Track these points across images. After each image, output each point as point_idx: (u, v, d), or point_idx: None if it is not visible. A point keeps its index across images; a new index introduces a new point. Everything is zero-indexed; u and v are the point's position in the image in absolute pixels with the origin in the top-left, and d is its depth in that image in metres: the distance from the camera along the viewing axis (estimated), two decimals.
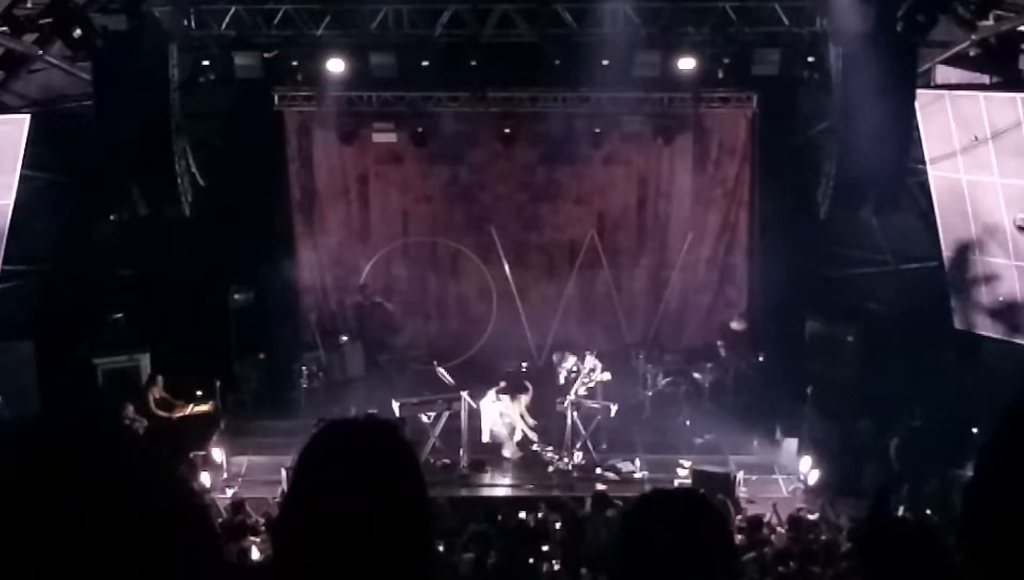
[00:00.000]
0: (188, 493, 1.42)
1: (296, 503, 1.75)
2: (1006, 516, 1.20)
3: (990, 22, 12.50)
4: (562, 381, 14.87)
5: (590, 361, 14.79)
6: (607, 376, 14.71)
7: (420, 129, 16.17)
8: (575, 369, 14.82)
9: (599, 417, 13.89)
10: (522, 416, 14.18)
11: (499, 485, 13.74)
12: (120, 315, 15.58)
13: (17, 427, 1.37)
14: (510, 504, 12.49)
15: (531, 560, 10.29)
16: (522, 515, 11.77)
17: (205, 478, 13.32)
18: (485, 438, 14.03)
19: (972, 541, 1.25)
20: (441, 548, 9.98)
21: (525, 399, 14.23)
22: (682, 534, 1.92)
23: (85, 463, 1.30)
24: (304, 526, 1.70)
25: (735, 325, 16.69)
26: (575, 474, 13.68)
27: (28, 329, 14.50)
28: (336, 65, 14.58)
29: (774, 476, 13.77)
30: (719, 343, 16.47)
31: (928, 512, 11.72)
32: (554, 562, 10.31)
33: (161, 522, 1.30)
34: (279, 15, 14.16)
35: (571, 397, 13.92)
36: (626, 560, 1.97)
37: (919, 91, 13.25)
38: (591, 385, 14.65)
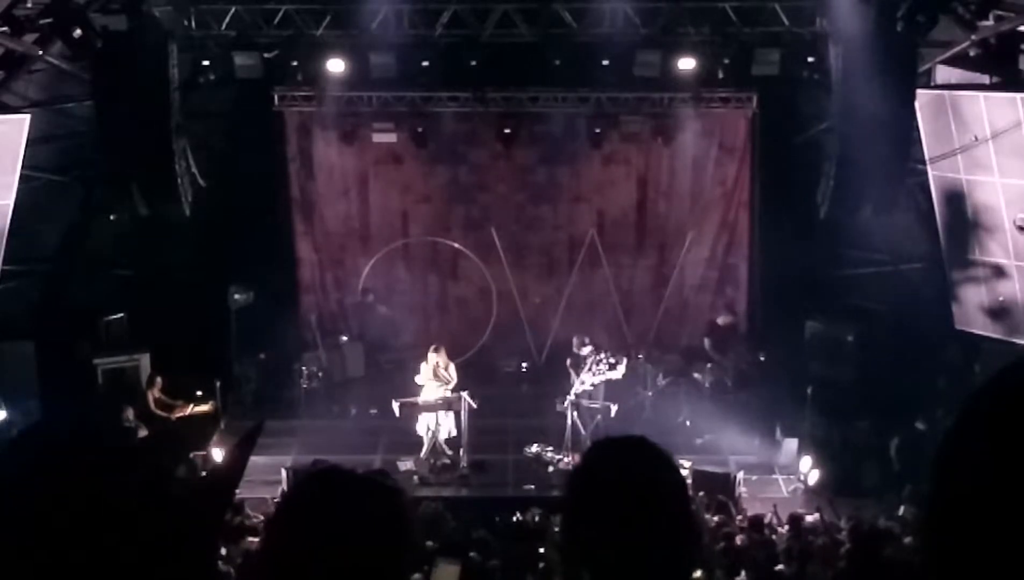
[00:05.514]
0: (188, 495, 1.41)
1: (272, 565, 1.65)
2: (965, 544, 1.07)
3: (990, 22, 12.48)
4: (577, 364, 14.15)
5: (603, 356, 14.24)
6: (618, 373, 14.41)
7: (420, 129, 16.15)
8: (593, 357, 14.12)
9: (599, 417, 13.86)
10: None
11: (499, 485, 13.74)
12: (120, 315, 15.58)
13: (18, 434, 1.37)
14: (510, 505, 12.48)
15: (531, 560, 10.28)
16: (521, 516, 11.75)
17: None
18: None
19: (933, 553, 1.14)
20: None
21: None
22: (631, 474, 1.84)
23: (85, 468, 1.30)
24: None
25: (721, 320, 16.63)
26: None
27: (28, 329, 14.50)
28: (336, 65, 14.57)
29: (774, 476, 13.78)
30: (705, 339, 16.44)
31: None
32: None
33: (160, 526, 1.30)
34: (279, 15, 14.18)
35: (571, 397, 13.89)
36: (577, 507, 1.88)
37: (919, 91, 13.24)
38: (600, 377, 14.07)
